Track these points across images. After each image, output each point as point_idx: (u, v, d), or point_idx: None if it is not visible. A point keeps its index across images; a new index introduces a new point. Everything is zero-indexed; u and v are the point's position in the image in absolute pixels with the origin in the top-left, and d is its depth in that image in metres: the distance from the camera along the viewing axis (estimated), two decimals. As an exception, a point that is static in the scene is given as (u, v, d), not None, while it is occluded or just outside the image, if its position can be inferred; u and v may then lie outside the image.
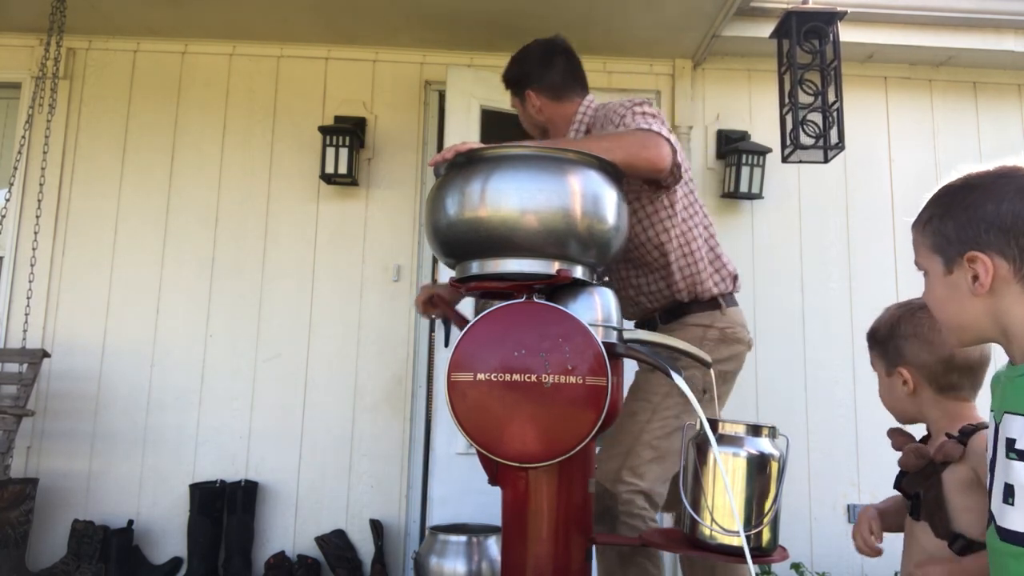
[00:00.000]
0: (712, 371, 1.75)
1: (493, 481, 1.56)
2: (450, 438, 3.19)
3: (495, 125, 3.18)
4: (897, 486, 1.37)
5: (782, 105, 3.05)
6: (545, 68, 2.09)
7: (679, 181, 1.89)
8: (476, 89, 3.42)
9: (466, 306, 2.22)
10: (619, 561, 1.81)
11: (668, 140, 1.76)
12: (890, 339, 1.37)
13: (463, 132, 3.23)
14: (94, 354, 3.28)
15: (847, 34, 3.15)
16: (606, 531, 1.79)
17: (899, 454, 1.36)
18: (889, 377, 1.38)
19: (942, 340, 1.30)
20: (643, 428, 1.85)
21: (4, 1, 3.20)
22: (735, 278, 2.05)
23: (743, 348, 2.00)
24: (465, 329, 1.45)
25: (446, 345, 3.29)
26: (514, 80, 2.14)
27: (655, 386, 1.87)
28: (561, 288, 1.57)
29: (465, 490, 3.08)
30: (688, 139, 3.50)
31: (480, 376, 1.41)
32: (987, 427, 1.21)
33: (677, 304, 1.98)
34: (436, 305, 2.11)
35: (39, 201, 3.13)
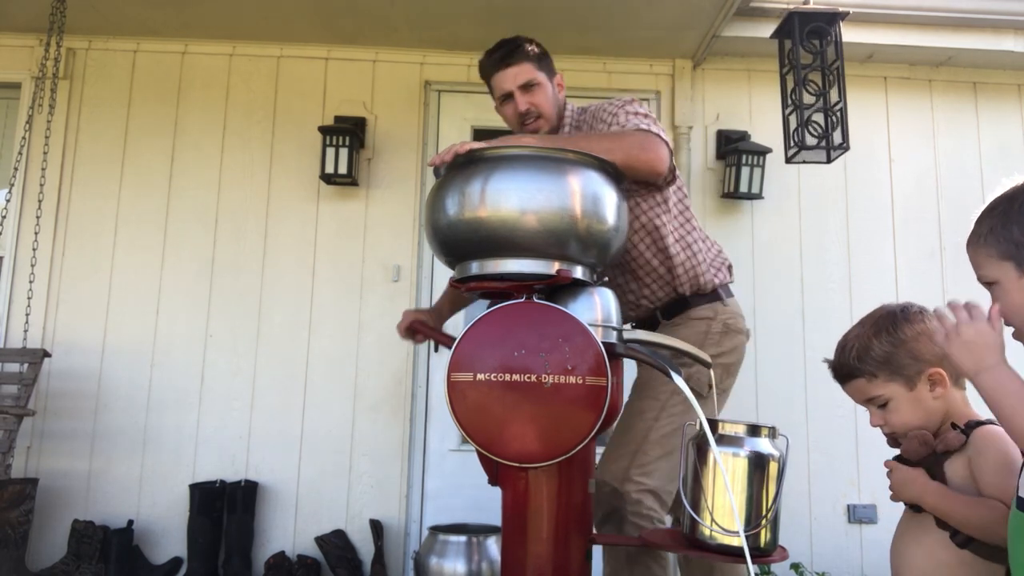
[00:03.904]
0: (715, 366, 1.75)
1: (493, 481, 1.56)
2: (443, 435, 3.31)
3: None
4: None
5: (784, 106, 3.05)
6: None
7: (673, 183, 1.92)
8: (468, 111, 3.53)
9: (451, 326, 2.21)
10: (627, 561, 1.81)
11: (666, 142, 1.78)
12: (897, 349, 1.31)
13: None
14: (94, 354, 3.28)
15: (847, 34, 3.15)
16: (613, 531, 1.79)
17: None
18: (912, 391, 1.31)
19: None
20: (651, 426, 1.84)
21: (4, 1, 3.20)
22: (730, 267, 2.06)
23: (743, 339, 2.00)
24: (465, 329, 1.45)
25: (436, 350, 3.32)
26: (546, 59, 2.04)
27: (662, 383, 1.84)
28: (561, 288, 1.57)
29: (458, 484, 3.22)
30: (688, 139, 3.50)
31: (480, 376, 1.41)
32: (991, 423, 1.22)
33: (679, 298, 1.97)
34: (418, 331, 2.08)
35: (39, 201, 3.13)
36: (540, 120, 1.99)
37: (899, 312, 1.33)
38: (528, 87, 1.98)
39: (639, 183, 1.87)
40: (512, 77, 1.97)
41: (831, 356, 1.42)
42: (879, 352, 1.32)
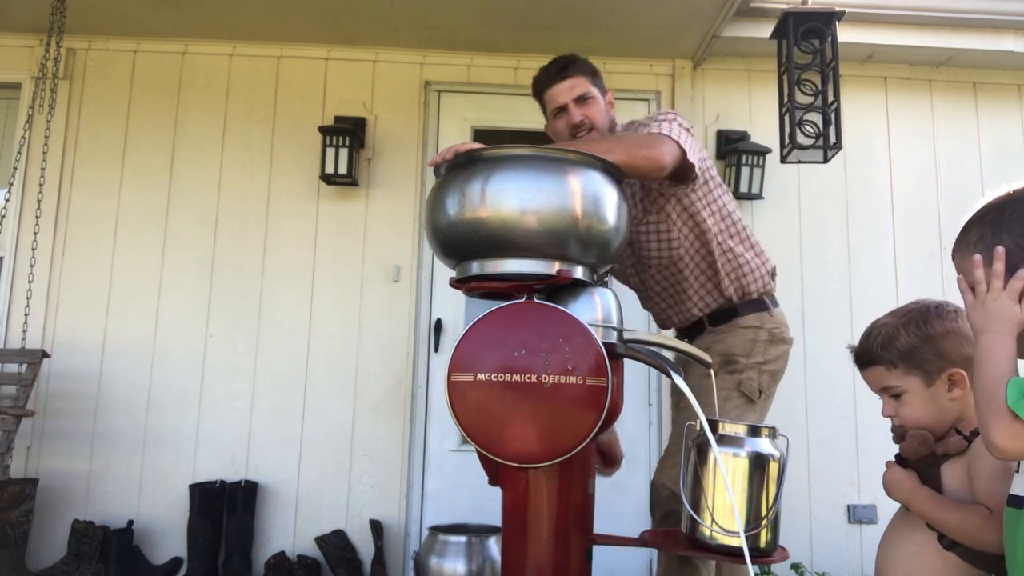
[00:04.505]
0: (762, 373, 1.87)
1: (493, 481, 1.56)
2: (443, 435, 3.31)
3: (488, 143, 3.20)
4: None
5: (781, 105, 3.05)
6: None
7: (693, 179, 1.91)
8: (468, 111, 3.52)
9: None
10: (678, 563, 1.82)
11: (676, 141, 1.78)
12: (923, 344, 1.30)
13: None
14: (94, 354, 3.28)
15: (846, 34, 3.15)
16: None
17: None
18: (930, 387, 1.30)
19: (968, 328, 1.30)
20: None
21: (4, 1, 3.20)
22: (774, 274, 2.07)
23: (788, 347, 2.05)
24: (465, 329, 1.45)
25: (436, 350, 3.31)
26: (599, 76, 2.05)
27: (717, 389, 1.83)
28: (561, 288, 1.57)
29: (458, 484, 3.22)
30: (688, 139, 3.50)
31: (480, 376, 1.41)
32: None
33: (727, 305, 1.99)
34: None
35: (39, 201, 3.13)
36: (592, 133, 1.98)
37: (933, 308, 1.32)
38: (583, 99, 1.98)
39: (672, 181, 1.89)
40: (568, 89, 1.98)
41: (855, 342, 1.42)
42: (904, 343, 1.31)
